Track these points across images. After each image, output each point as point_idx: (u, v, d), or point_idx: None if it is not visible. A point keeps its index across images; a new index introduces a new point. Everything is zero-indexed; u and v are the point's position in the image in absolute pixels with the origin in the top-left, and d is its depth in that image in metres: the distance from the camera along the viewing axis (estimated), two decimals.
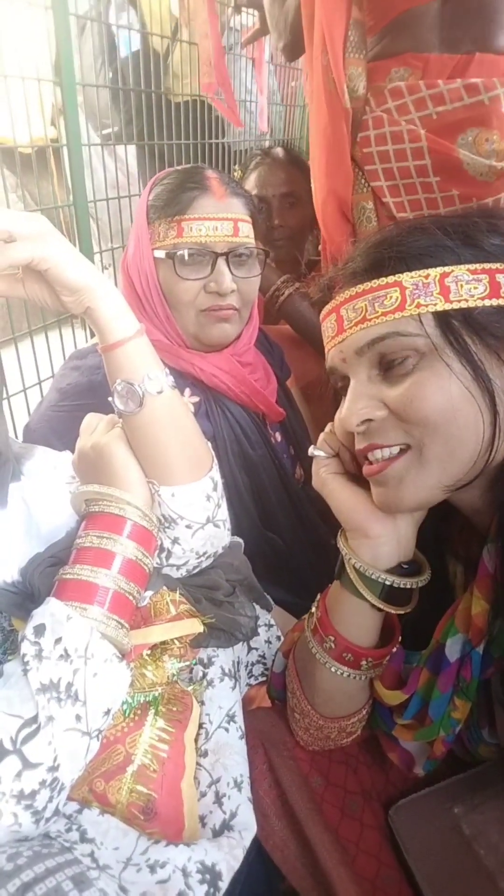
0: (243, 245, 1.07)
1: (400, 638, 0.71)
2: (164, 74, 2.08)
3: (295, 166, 1.82)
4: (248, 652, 0.91)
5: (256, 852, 0.70)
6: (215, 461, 0.82)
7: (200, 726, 0.75)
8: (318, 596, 0.75)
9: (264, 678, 0.91)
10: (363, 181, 1.21)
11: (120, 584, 0.67)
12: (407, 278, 0.61)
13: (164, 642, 0.76)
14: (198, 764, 0.73)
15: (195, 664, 0.80)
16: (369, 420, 0.63)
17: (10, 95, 1.45)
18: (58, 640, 0.61)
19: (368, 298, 0.62)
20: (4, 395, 0.78)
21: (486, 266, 0.60)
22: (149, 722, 0.72)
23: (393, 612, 0.68)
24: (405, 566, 0.69)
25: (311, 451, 0.73)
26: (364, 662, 0.69)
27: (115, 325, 0.71)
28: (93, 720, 0.61)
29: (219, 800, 0.69)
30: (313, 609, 0.75)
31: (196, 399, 1.11)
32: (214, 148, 2.35)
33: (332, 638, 0.70)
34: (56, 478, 0.84)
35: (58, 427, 1.06)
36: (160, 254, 1.05)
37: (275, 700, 0.85)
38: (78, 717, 0.59)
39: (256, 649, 0.92)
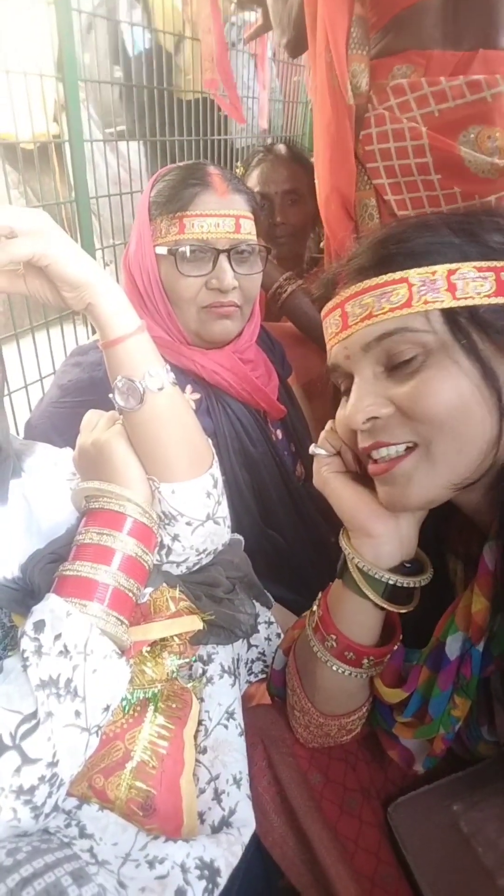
0: (245, 242, 1.07)
1: (401, 636, 0.71)
2: (175, 72, 2.08)
3: (297, 163, 1.82)
4: (248, 649, 0.91)
5: (255, 849, 0.70)
6: (215, 458, 0.82)
7: (200, 723, 0.76)
8: (319, 594, 0.75)
9: (264, 675, 0.91)
10: (366, 178, 1.21)
11: (120, 581, 0.67)
12: (414, 275, 0.60)
13: (163, 639, 0.76)
14: (197, 761, 0.73)
15: (195, 661, 0.80)
16: (375, 418, 0.62)
17: (13, 91, 1.45)
18: (57, 637, 0.61)
19: (375, 294, 0.62)
20: (6, 392, 0.78)
21: (493, 264, 0.60)
22: (148, 718, 0.72)
23: (395, 611, 0.68)
24: (407, 565, 0.69)
25: (313, 449, 0.73)
26: (366, 661, 0.69)
27: (115, 321, 0.71)
28: (92, 716, 0.61)
29: (218, 796, 0.69)
30: (314, 607, 0.74)
31: (197, 396, 1.11)
32: (218, 144, 2.35)
33: (334, 636, 0.69)
34: (56, 474, 0.84)
35: (59, 423, 1.06)
36: (162, 250, 1.05)
37: (275, 697, 0.85)
38: (77, 713, 0.60)
39: (256, 646, 0.92)
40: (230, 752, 0.72)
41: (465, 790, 0.71)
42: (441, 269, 0.60)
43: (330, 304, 0.67)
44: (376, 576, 0.66)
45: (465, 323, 0.59)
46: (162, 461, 0.75)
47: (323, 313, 0.69)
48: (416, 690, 0.67)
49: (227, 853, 0.63)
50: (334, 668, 0.70)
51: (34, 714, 0.57)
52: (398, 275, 0.61)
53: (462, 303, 0.59)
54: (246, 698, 0.89)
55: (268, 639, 0.92)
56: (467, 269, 0.60)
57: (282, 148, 1.86)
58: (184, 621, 0.77)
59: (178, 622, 0.76)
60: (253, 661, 0.92)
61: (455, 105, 1.09)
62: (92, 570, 0.66)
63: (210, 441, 0.83)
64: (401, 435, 0.61)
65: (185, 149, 2.16)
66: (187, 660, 0.79)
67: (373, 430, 0.63)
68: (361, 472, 0.70)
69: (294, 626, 0.82)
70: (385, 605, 0.67)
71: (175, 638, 0.76)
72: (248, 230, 1.08)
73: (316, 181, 1.33)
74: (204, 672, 0.79)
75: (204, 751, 0.73)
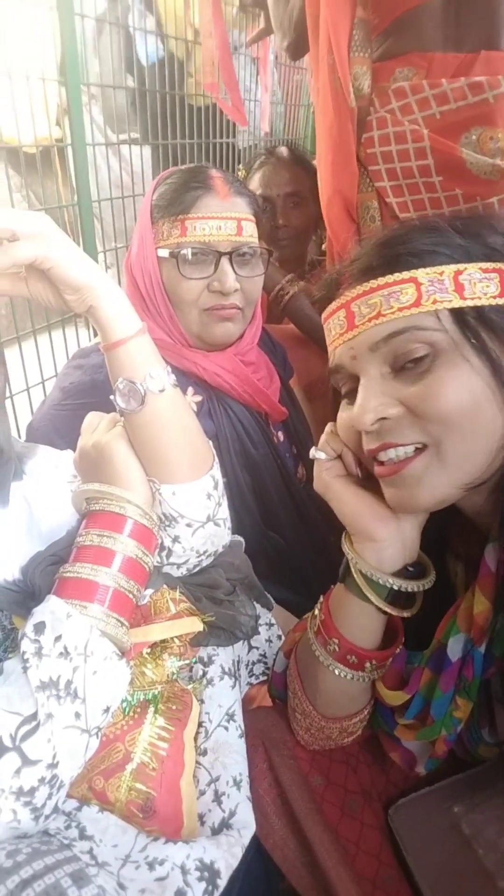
0: (247, 244, 1.07)
1: (403, 639, 0.71)
2: (187, 79, 2.10)
3: (299, 166, 1.82)
4: (249, 651, 0.91)
5: (255, 851, 0.70)
6: (216, 460, 0.82)
7: (200, 725, 0.76)
8: (321, 597, 0.75)
9: (265, 677, 0.91)
10: (368, 180, 1.21)
11: (120, 583, 0.67)
12: (422, 275, 0.60)
13: (164, 640, 0.76)
14: (197, 762, 0.73)
15: (195, 663, 0.80)
16: (383, 418, 0.61)
17: (16, 94, 1.45)
18: (58, 638, 0.61)
19: (383, 294, 0.61)
20: (7, 394, 0.78)
21: (497, 266, 0.60)
22: (148, 720, 0.72)
23: (398, 615, 0.68)
24: (410, 569, 0.69)
25: (313, 453, 0.72)
26: (368, 664, 0.69)
27: (117, 323, 0.71)
28: (92, 718, 0.61)
29: (218, 798, 0.69)
30: (316, 611, 0.74)
31: (199, 398, 1.11)
32: (223, 147, 2.36)
33: (336, 641, 0.69)
34: (57, 477, 0.84)
35: (60, 426, 1.06)
36: (164, 253, 1.06)
37: (275, 699, 0.85)
38: (77, 715, 0.60)
39: (257, 648, 0.92)
40: (230, 754, 0.72)
41: (466, 792, 0.71)
42: (448, 269, 0.60)
43: (333, 306, 0.67)
44: (379, 580, 0.66)
45: (473, 323, 0.59)
46: (163, 463, 0.75)
47: (324, 315, 0.69)
48: (418, 692, 0.67)
49: (227, 855, 0.63)
50: (336, 671, 0.70)
51: (34, 716, 0.57)
52: (406, 275, 0.61)
53: (470, 303, 0.59)
54: (247, 700, 0.89)
55: (268, 640, 0.92)
56: (473, 269, 0.60)
57: (284, 151, 1.86)
58: (184, 623, 0.77)
59: (178, 624, 0.77)
60: (254, 663, 0.92)
61: (457, 107, 1.10)
62: (92, 571, 0.67)
63: (211, 443, 0.83)
64: (410, 436, 0.60)
65: (189, 152, 2.17)
66: (188, 661, 0.79)
67: (380, 432, 0.62)
68: (363, 476, 0.70)
69: (295, 628, 0.81)
70: (388, 610, 0.67)
71: (175, 639, 0.76)
72: (250, 233, 1.08)
73: (319, 183, 1.33)
74: (204, 674, 0.79)
75: (204, 752, 0.73)
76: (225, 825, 0.67)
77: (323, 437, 0.73)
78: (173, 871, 0.59)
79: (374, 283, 0.62)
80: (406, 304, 0.60)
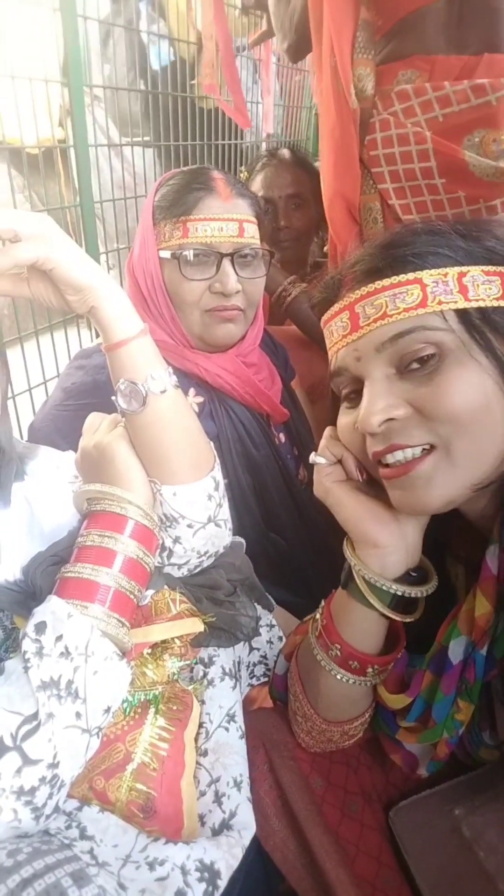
0: (248, 246, 1.07)
1: (405, 643, 0.71)
2: (196, 82, 2.11)
3: (301, 168, 1.82)
4: (250, 652, 0.91)
5: (256, 852, 0.70)
6: (217, 460, 0.82)
7: (200, 725, 0.76)
8: (322, 602, 0.74)
9: (266, 678, 0.91)
10: (371, 182, 1.21)
11: (121, 583, 0.67)
12: (427, 276, 0.60)
13: (164, 641, 0.76)
14: (197, 763, 0.73)
15: (196, 663, 0.80)
16: (390, 420, 0.61)
17: (18, 96, 1.46)
18: (58, 638, 0.61)
19: (388, 295, 0.61)
20: (9, 395, 0.78)
21: (498, 269, 0.61)
22: (149, 720, 0.72)
23: (401, 620, 0.68)
24: (413, 574, 0.68)
25: (313, 458, 0.71)
26: (370, 669, 0.69)
27: (118, 324, 0.72)
28: (93, 718, 0.61)
29: (218, 799, 0.69)
30: (317, 616, 0.74)
31: (200, 399, 1.11)
32: (229, 149, 2.37)
33: (338, 646, 0.69)
34: (59, 477, 0.84)
35: (62, 426, 1.07)
36: (165, 254, 1.06)
37: (276, 701, 0.85)
38: (78, 715, 0.60)
39: (258, 649, 0.92)
40: (231, 755, 0.72)
41: (466, 794, 0.70)
42: (452, 271, 0.60)
43: (335, 308, 0.66)
44: (383, 587, 0.66)
45: (479, 323, 0.60)
46: (164, 464, 0.75)
47: (325, 318, 0.69)
48: (420, 695, 0.67)
49: (227, 855, 0.63)
50: (338, 676, 0.70)
51: (35, 715, 0.57)
52: (411, 276, 0.61)
53: (474, 304, 0.60)
54: (248, 701, 0.89)
55: (269, 642, 0.92)
56: (476, 272, 0.60)
57: (285, 152, 1.86)
58: (185, 623, 0.77)
59: (179, 624, 0.77)
60: (255, 665, 0.92)
61: (459, 109, 1.09)
62: (93, 572, 0.67)
63: (212, 444, 0.83)
64: (418, 437, 0.60)
65: (196, 153, 2.18)
66: (188, 662, 0.79)
67: (387, 433, 0.61)
68: (365, 481, 0.69)
69: (296, 630, 0.81)
70: (392, 615, 0.67)
71: (176, 640, 0.76)
72: (252, 234, 1.08)
73: (321, 184, 1.34)
74: (205, 674, 0.79)
75: (205, 753, 0.73)
76: (225, 826, 0.67)
77: (322, 442, 0.72)
78: (173, 872, 0.59)
79: (378, 284, 0.62)
80: (412, 304, 0.60)
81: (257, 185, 1.81)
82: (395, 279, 0.61)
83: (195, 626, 0.78)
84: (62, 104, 1.69)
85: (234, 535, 0.89)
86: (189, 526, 0.78)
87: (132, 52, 2.07)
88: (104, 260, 1.90)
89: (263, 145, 2.55)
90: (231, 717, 0.76)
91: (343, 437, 0.69)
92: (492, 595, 0.61)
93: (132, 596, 0.69)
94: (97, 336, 1.49)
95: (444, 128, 1.11)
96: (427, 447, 0.60)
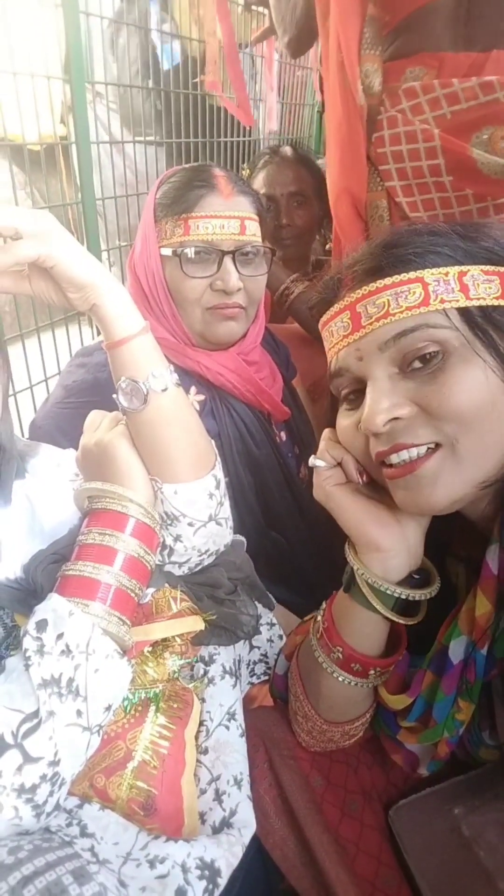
0: (250, 243, 1.07)
1: (406, 645, 0.71)
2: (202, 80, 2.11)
3: (303, 165, 1.82)
4: (251, 651, 0.91)
5: (256, 851, 0.70)
6: (218, 459, 0.82)
7: (201, 723, 0.76)
8: (324, 604, 0.74)
9: (266, 677, 0.91)
10: (378, 179, 1.20)
11: (122, 581, 0.67)
12: (428, 275, 0.60)
13: (165, 639, 0.76)
14: (198, 761, 0.73)
15: (196, 661, 0.80)
16: (395, 419, 0.60)
17: (20, 93, 1.46)
18: (59, 636, 0.61)
19: (390, 294, 0.61)
20: (11, 392, 0.78)
21: (497, 269, 0.61)
22: (150, 718, 0.72)
23: (404, 623, 0.67)
24: (415, 576, 0.68)
25: (312, 461, 0.71)
26: (372, 672, 0.69)
27: (120, 322, 0.71)
28: (94, 716, 0.61)
29: (218, 797, 0.69)
30: (318, 617, 0.74)
31: (201, 397, 1.11)
32: (235, 145, 2.36)
33: (340, 648, 0.69)
34: (60, 475, 0.84)
35: (63, 424, 1.07)
36: (167, 251, 1.06)
37: (277, 699, 0.85)
38: (79, 713, 0.60)
39: (258, 648, 0.92)
40: (231, 753, 0.72)
41: (466, 794, 0.71)
42: (453, 270, 0.60)
43: (335, 308, 0.66)
44: (386, 590, 0.65)
45: (481, 321, 0.60)
46: (165, 462, 0.75)
47: (324, 319, 0.68)
48: (420, 695, 0.67)
49: (227, 854, 0.63)
50: (340, 678, 0.69)
51: (36, 713, 0.57)
52: (413, 275, 0.61)
53: (475, 303, 0.60)
54: (248, 700, 0.89)
55: (270, 640, 0.92)
56: (475, 271, 0.60)
57: (287, 150, 1.86)
58: (186, 622, 0.77)
59: (179, 622, 0.77)
60: (255, 663, 0.92)
61: (468, 106, 1.09)
62: (94, 570, 0.67)
63: (213, 442, 0.83)
64: (423, 435, 0.60)
65: (199, 150, 2.18)
66: (189, 660, 0.79)
67: (391, 433, 0.61)
68: (365, 483, 0.69)
69: (296, 630, 0.81)
70: (395, 618, 0.67)
71: (177, 638, 0.76)
72: (253, 232, 1.08)
73: (327, 181, 1.33)
74: (205, 673, 0.80)
75: (205, 751, 0.73)
76: (226, 824, 0.67)
77: (322, 445, 0.71)
78: (174, 870, 0.60)
79: (380, 283, 0.62)
80: (414, 303, 0.60)
81: (259, 182, 1.81)
82: (396, 278, 0.61)
83: (196, 624, 0.78)
84: (64, 101, 1.69)
85: (234, 533, 0.89)
86: (190, 524, 0.77)
87: (145, 53, 2.06)
88: (105, 257, 1.89)
89: (270, 141, 2.55)
90: (231, 716, 0.76)
91: (343, 438, 0.68)
92: (492, 595, 0.60)
93: (133, 594, 0.69)
94: (98, 333, 1.50)
95: (452, 125, 1.10)
96: (432, 446, 0.60)
